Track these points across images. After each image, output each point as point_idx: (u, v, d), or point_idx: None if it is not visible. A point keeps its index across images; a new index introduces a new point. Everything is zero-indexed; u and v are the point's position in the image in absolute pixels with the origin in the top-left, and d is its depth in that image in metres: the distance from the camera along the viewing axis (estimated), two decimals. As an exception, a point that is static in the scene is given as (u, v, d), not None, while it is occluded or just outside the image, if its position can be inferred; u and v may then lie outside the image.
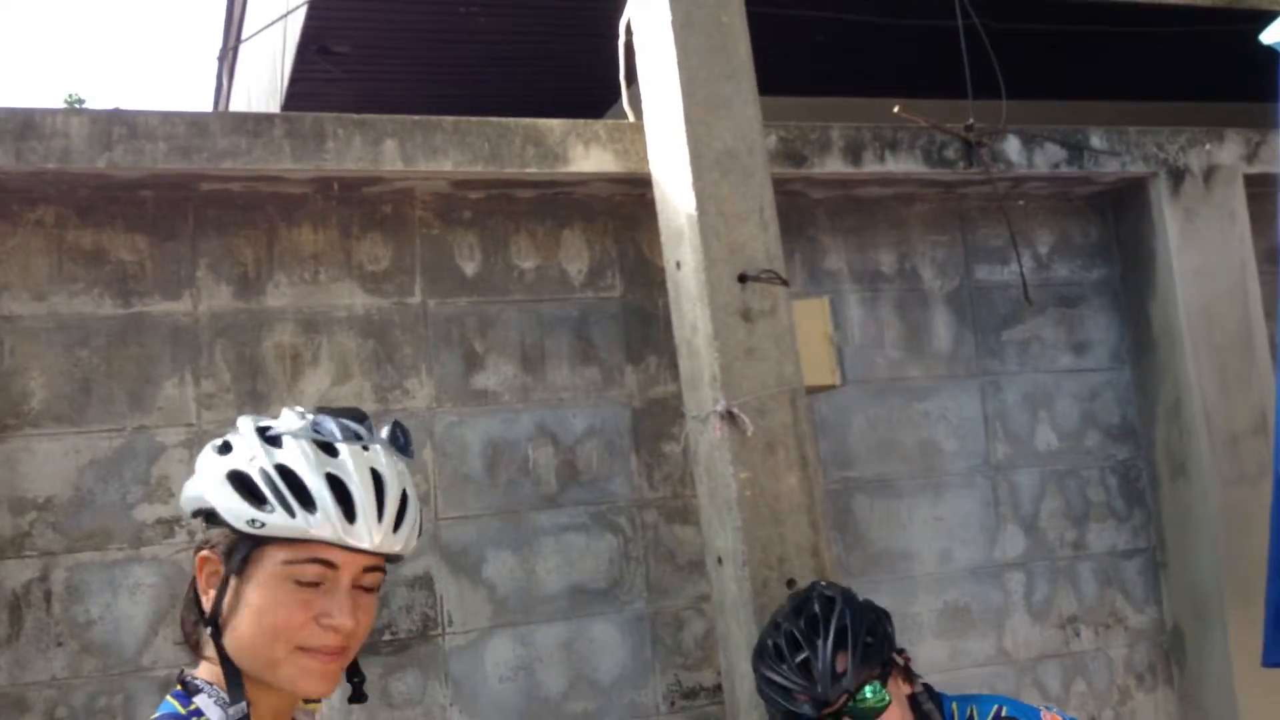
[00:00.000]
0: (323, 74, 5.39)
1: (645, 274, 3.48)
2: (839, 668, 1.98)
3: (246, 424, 1.45)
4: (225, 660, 1.37)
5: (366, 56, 5.24)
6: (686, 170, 2.93)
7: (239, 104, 7.93)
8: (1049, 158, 3.76)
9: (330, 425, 1.43)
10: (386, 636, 3.09)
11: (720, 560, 2.92)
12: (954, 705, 2.08)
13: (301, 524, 1.36)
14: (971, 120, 3.64)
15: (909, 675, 2.10)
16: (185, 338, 3.05)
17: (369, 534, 1.38)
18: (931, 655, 3.62)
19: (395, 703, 3.07)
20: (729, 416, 2.84)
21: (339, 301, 3.17)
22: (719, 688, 3.25)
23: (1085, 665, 3.82)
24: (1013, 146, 3.72)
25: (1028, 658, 3.75)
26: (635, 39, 3.17)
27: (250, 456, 1.39)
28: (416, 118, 3.10)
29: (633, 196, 3.43)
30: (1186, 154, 3.93)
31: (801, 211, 3.68)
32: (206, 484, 1.39)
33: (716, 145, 2.96)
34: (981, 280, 3.88)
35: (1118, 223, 4.06)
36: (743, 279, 2.91)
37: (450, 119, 3.13)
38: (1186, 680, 3.88)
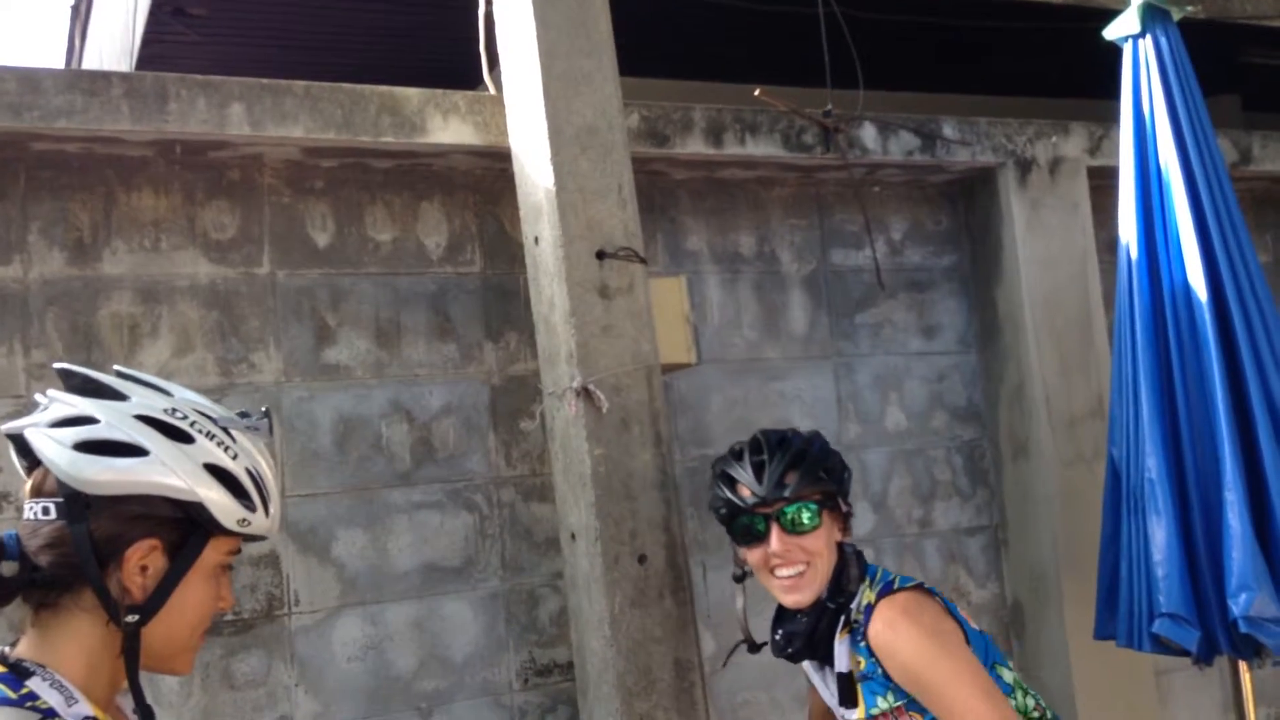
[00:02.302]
0: (178, 36, 5.17)
1: (506, 249, 3.45)
2: (786, 479, 2.13)
3: (186, 405, 1.38)
4: (135, 652, 1.31)
5: (224, 20, 5.04)
6: (545, 145, 2.90)
7: (91, 65, 7.56)
8: (903, 145, 3.85)
9: (225, 412, 1.43)
10: (229, 616, 3.00)
11: (574, 536, 2.92)
12: (879, 571, 2.20)
13: (270, 522, 1.41)
14: (830, 107, 3.70)
15: (845, 525, 2.23)
16: (14, 305, 2.90)
17: (275, 522, 1.43)
18: (783, 630, 3.68)
19: (237, 684, 2.99)
20: (585, 393, 2.84)
21: (181, 270, 3.05)
22: (572, 664, 3.25)
23: (930, 639, 3.93)
24: (869, 134, 3.80)
25: (876, 632, 3.85)
26: (495, 9, 3.12)
27: (225, 448, 1.37)
28: (266, 81, 3.00)
29: (494, 170, 3.39)
30: (1034, 145, 4.08)
31: (664, 192, 3.69)
32: (183, 476, 1.32)
33: (576, 120, 2.94)
34: (837, 264, 3.96)
35: (968, 211, 4.19)
36: (601, 256, 2.91)
37: (302, 84, 3.04)
38: (1025, 653, 4.04)
